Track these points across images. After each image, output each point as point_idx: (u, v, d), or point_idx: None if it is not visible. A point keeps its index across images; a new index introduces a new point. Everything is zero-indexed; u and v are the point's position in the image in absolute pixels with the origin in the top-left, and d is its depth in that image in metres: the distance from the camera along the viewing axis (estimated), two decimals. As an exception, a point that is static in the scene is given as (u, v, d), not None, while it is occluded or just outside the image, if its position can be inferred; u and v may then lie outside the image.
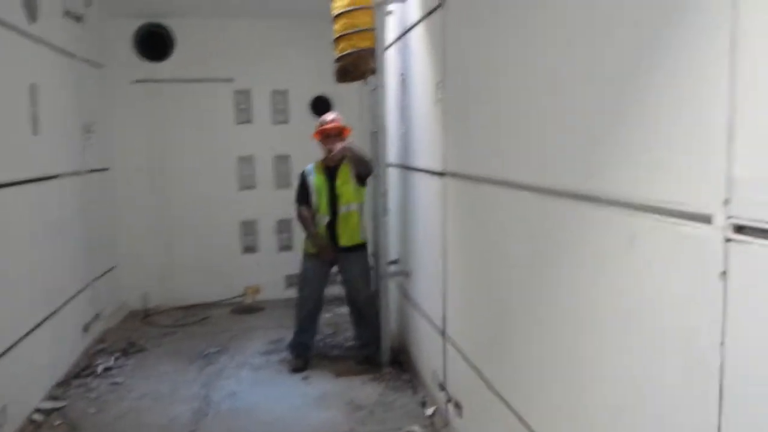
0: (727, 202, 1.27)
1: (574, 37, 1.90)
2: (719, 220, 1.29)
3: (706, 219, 1.33)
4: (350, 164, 4.45)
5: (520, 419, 2.38)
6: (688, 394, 1.40)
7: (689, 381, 1.39)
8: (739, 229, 1.25)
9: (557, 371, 2.08)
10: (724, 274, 1.28)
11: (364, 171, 4.42)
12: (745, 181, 1.23)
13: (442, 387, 3.52)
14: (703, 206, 1.34)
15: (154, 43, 6.00)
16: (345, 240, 4.48)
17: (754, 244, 1.21)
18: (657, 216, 1.50)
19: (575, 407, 1.96)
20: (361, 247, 4.57)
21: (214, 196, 6.28)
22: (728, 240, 1.27)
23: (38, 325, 3.91)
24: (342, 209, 4.46)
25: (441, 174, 3.43)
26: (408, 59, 4.20)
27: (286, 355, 4.68)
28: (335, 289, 5.09)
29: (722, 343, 1.29)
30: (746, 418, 1.25)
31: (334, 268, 4.61)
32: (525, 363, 2.37)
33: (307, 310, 4.56)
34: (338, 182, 4.46)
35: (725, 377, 1.29)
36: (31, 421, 3.69)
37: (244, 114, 6.31)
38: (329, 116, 4.52)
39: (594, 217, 1.80)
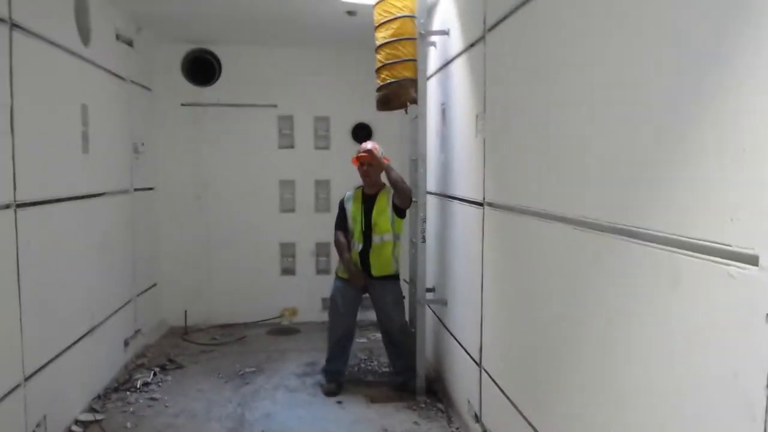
0: (774, 243, 1.26)
1: (619, 73, 1.91)
2: (766, 261, 1.28)
3: (752, 260, 1.32)
4: (390, 191, 4.47)
5: (557, 454, 2.35)
6: (733, 437, 1.38)
7: (733, 423, 1.37)
8: (786, 270, 1.24)
9: (597, 409, 2.06)
10: (769, 315, 1.27)
11: (402, 196, 4.36)
12: (793, 223, 1.22)
13: (477, 418, 3.50)
14: (750, 247, 1.33)
15: (201, 68, 6.19)
16: (376, 270, 4.49)
17: (802, 286, 1.20)
18: (703, 255, 1.49)
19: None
20: (393, 277, 4.57)
21: (255, 218, 6.39)
22: (775, 282, 1.26)
23: (81, 338, 4.02)
24: (375, 239, 4.48)
25: (479, 204, 3.44)
26: (449, 90, 4.25)
27: (320, 378, 4.70)
28: (370, 315, 5.11)
29: (767, 386, 1.27)
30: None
31: (366, 294, 4.62)
32: (564, 399, 2.35)
33: (337, 337, 4.58)
34: (374, 211, 4.50)
35: (771, 420, 1.27)
36: (71, 433, 3.78)
37: (286, 139, 6.44)
38: (368, 144, 4.56)
39: (637, 253, 1.79)
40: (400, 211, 4.49)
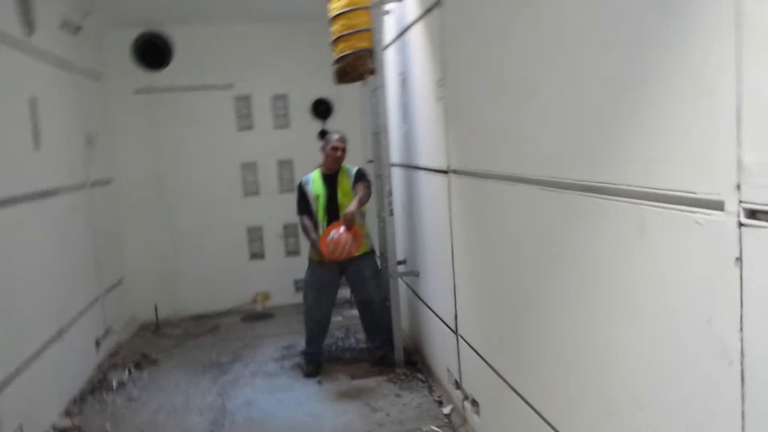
0: (738, 187, 1.25)
1: (579, 25, 1.88)
2: (731, 205, 1.28)
3: (718, 205, 1.31)
4: (349, 171, 4.53)
5: (538, 413, 2.36)
6: (710, 381, 1.38)
7: (710, 368, 1.37)
8: (752, 213, 1.23)
9: (573, 363, 2.07)
10: (738, 259, 1.27)
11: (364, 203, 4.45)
12: (755, 166, 1.21)
13: (458, 385, 3.51)
14: (715, 193, 1.32)
15: (153, 51, 5.97)
16: None
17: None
18: (668, 204, 1.48)
19: (593, 398, 1.95)
20: (367, 253, 4.54)
21: (219, 204, 6.27)
22: (741, 225, 1.25)
23: (50, 342, 3.90)
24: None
25: (445, 172, 3.41)
26: (407, 58, 4.19)
27: (299, 360, 4.68)
28: (345, 292, 5.08)
29: (741, 329, 1.28)
30: (770, 400, 1.23)
31: (342, 275, 4.58)
32: (540, 356, 2.35)
33: (314, 320, 4.55)
34: (339, 193, 4.47)
35: (746, 361, 1.27)
36: (48, 439, 3.69)
37: (245, 120, 6.31)
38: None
39: (603, 209, 1.78)
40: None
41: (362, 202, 4.37)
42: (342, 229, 4.24)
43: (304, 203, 4.54)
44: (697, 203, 1.38)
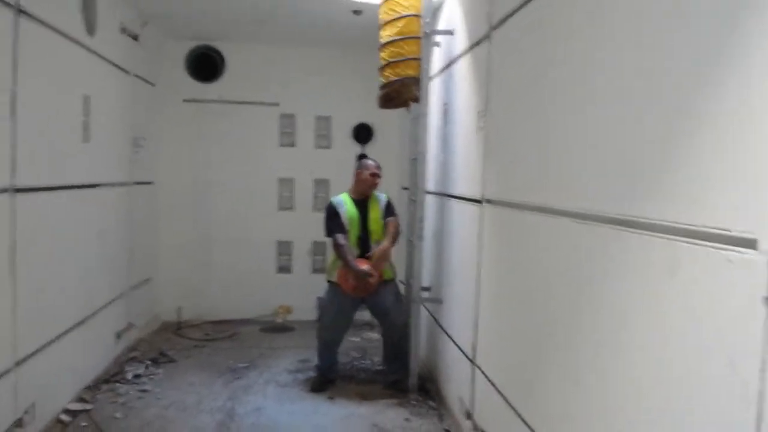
0: (773, 225, 1.26)
1: (616, 64, 1.92)
2: (765, 245, 1.28)
3: (751, 244, 1.32)
4: (379, 200, 4.65)
5: (549, 450, 2.33)
6: (727, 422, 1.37)
7: (728, 408, 1.36)
8: (785, 253, 1.24)
9: (592, 401, 2.04)
10: (767, 299, 1.26)
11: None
12: (792, 204, 1.22)
13: (469, 416, 3.48)
14: (749, 231, 1.33)
15: (205, 64, 6.20)
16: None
17: (800, 268, 1.19)
18: (701, 241, 1.49)
19: (607, 437, 1.92)
20: (388, 280, 4.57)
21: (253, 216, 6.39)
22: (774, 264, 1.26)
23: (73, 328, 3.99)
24: (373, 247, 4.50)
25: (478, 201, 3.44)
26: (451, 89, 4.26)
27: (312, 374, 4.68)
28: (364, 314, 5.09)
29: (763, 369, 1.27)
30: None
31: (362, 303, 4.61)
32: (557, 393, 2.33)
33: (326, 340, 4.57)
34: (370, 218, 4.54)
35: (764, 403, 1.26)
36: (59, 421, 3.74)
37: (287, 137, 6.44)
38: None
39: (635, 243, 1.79)
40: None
41: (394, 241, 4.48)
42: (366, 267, 4.32)
43: (337, 222, 4.52)
44: (730, 241, 1.39)
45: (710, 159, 1.47)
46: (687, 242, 1.54)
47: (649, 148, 1.74)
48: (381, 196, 4.64)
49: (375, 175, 4.57)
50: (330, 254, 4.86)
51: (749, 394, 1.29)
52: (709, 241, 1.46)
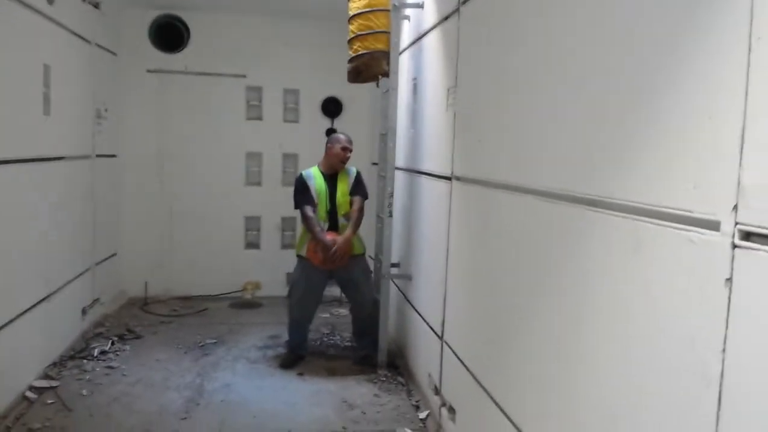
0: (735, 208, 1.27)
1: (583, 44, 1.91)
2: (727, 226, 1.29)
3: (714, 225, 1.33)
4: (348, 174, 4.62)
5: (515, 426, 2.37)
6: (687, 402, 1.40)
7: (688, 388, 1.39)
8: (747, 236, 1.25)
9: (554, 377, 2.08)
10: (729, 280, 1.28)
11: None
12: (754, 188, 1.23)
13: (437, 391, 3.52)
14: (711, 213, 1.34)
15: (169, 34, 6.02)
16: None
17: (761, 250, 1.21)
18: (663, 221, 1.50)
19: (571, 414, 1.96)
20: (358, 255, 4.57)
21: (220, 190, 6.29)
22: (735, 246, 1.27)
23: (36, 304, 3.92)
24: (341, 220, 4.50)
25: (448, 178, 3.44)
26: (421, 64, 4.22)
27: (282, 351, 4.68)
28: (334, 290, 5.09)
29: (723, 350, 1.29)
30: (744, 425, 1.25)
31: (331, 278, 4.61)
32: (521, 367, 2.37)
33: (296, 315, 4.57)
34: (338, 193, 4.51)
35: (725, 384, 1.28)
36: (24, 398, 3.70)
37: (254, 110, 6.34)
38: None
39: (599, 222, 1.80)
40: None
41: (356, 226, 4.48)
42: (332, 238, 4.35)
43: (306, 195, 4.51)
44: (693, 222, 1.40)
45: (675, 139, 1.48)
46: (650, 222, 1.56)
47: (614, 128, 1.75)
48: (351, 170, 4.62)
49: (346, 149, 4.53)
50: (300, 229, 4.83)
51: (710, 374, 1.32)
52: (672, 222, 1.47)
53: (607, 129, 1.79)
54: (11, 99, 3.55)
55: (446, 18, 3.55)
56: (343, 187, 4.53)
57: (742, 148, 1.26)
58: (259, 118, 6.34)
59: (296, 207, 4.56)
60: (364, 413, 3.78)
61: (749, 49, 1.24)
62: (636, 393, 1.60)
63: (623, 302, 1.68)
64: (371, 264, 4.84)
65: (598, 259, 1.82)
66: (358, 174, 4.62)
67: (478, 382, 2.82)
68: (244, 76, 6.24)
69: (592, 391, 1.83)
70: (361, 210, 4.52)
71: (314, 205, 4.48)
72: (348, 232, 4.41)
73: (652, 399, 1.52)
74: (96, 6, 4.94)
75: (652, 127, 1.56)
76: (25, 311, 3.75)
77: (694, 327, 1.39)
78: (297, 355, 4.58)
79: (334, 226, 4.48)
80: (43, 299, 4.05)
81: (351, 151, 4.57)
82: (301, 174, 4.63)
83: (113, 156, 5.73)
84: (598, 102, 1.84)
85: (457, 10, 3.33)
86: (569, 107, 2.03)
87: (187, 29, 6.04)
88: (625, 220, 1.67)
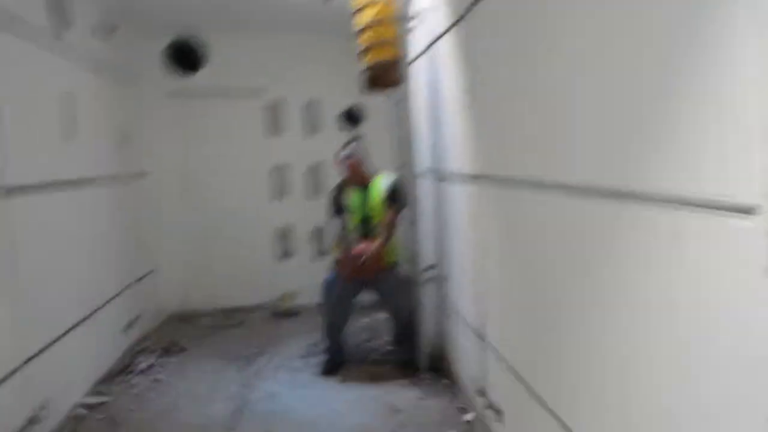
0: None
1: (612, 31, 1.87)
2: (764, 210, 1.26)
3: (752, 210, 1.29)
4: (382, 181, 4.59)
5: (564, 426, 2.34)
6: (743, 393, 1.36)
7: (742, 380, 1.35)
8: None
9: (603, 375, 2.04)
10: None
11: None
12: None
13: (482, 393, 3.49)
14: (750, 197, 1.30)
15: (186, 56, 6.08)
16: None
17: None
18: (701, 209, 1.46)
19: (623, 412, 1.92)
20: (391, 264, 4.56)
21: (249, 204, 6.36)
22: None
23: (79, 323, 4.00)
24: (375, 230, 4.50)
25: (474, 177, 3.42)
26: (437, 67, 4.20)
27: (323, 358, 4.70)
28: (372, 295, 5.08)
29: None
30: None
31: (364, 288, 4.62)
32: (569, 367, 2.33)
33: (329, 322, 4.57)
34: (371, 202, 4.51)
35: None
36: (75, 416, 3.77)
37: (276, 125, 6.39)
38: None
39: (634, 215, 1.76)
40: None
41: (388, 238, 4.44)
42: (360, 249, 4.37)
43: (337, 206, 4.58)
44: (731, 208, 1.36)
45: (711, 123, 1.44)
46: (687, 211, 1.52)
47: (647, 115, 1.70)
48: (388, 178, 4.59)
49: (342, 163, 4.57)
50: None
51: (764, 364, 1.28)
52: (710, 209, 1.43)
53: (636, 118, 1.75)
54: (39, 126, 3.65)
55: (460, 18, 3.53)
56: (375, 197, 4.53)
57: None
58: (281, 132, 6.40)
59: (330, 218, 4.60)
60: (410, 417, 3.77)
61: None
62: (691, 387, 1.56)
63: (667, 295, 1.64)
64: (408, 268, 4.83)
65: (638, 253, 1.78)
66: (396, 182, 4.58)
67: (524, 383, 2.79)
68: (263, 93, 6.30)
69: (644, 386, 1.78)
70: (392, 221, 4.49)
71: (346, 216, 4.51)
72: (377, 244, 4.41)
73: (708, 391, 1.48)
74: (111, 32, 5.02)
75: (688, 111, 1.52)
76: (69, 330, 3.83)
77: (742, 317, 1.35)
78: (337, 362, 4.59)
79: (368, 236, 4.48)
80: (88, 316, 4.14)
81: (349, 161, 4.56)
82: (336, 185, 4.67)
83: (144, 176, 5.83)
84: (628, 89, 1.79)
85: (470, 9, 3.30)
86: (595, 96, 1.98)
87: (203, 51, 6.08)
88: (661, 209, 1.63)
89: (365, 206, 4.51)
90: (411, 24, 4.36)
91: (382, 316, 5.68)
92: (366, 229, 4.50)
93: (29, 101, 3.56)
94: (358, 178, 4.56)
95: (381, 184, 4.56)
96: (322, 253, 6.41)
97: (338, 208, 4.56)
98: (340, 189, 4.62)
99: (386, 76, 4.23)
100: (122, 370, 4.55)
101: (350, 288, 4.52)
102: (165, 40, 5.99)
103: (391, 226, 4.48)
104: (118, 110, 5.21)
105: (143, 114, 5.97)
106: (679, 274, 1.58)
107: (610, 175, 1.91)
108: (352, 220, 4.50)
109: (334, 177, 4.80)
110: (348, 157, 4.59)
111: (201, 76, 6.13)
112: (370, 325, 5.59)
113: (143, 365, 4.62)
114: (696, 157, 1.48)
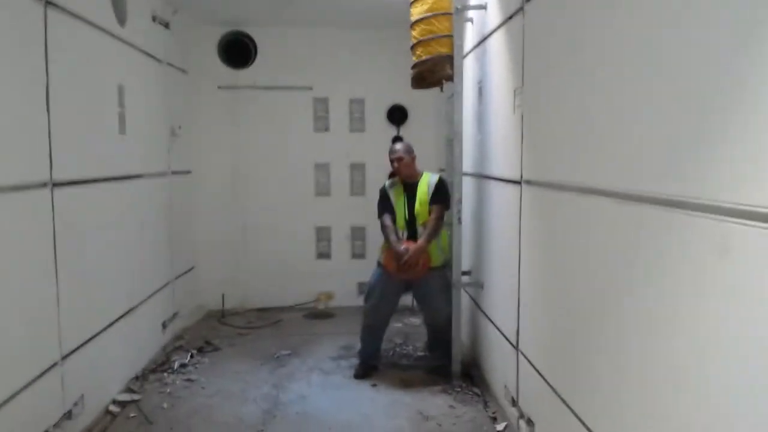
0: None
1: (665, 37, 1.79)
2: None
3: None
4: (429, 180, 4.50)
5: (597, 439, 2.25)
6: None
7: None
8: None
9: (641, 388, 1.95)
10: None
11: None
12: None
13: (514, 402, 3.41)
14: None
15: (238, 50, 6.16)
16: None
17: None
18: (752, 221, 1.38)
19: (660, 424, 1.83)
20: (438, 267, 4.47)
21: (291, 202, 6.38)
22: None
23: (119, 319, 4.06)
24: (420, 229, 4.42)
25: (517, 182, 3.33)
26: (486, 66, 4.13)
27: (355, 361, 4.67)
28: (406, 299, 5.04)
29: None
30: None
31: (408, 290, 4.57)
32: (603, 380, 2.24)
33: (370, 323, 4.53)
34: (416, 202, 4.44)
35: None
36: (108, 412, 3.82)
37: (321, 122, 6.39)
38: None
39: (682, 224, 1.67)
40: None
41: (432, 236, 4.35)
42: (405, 247, 4.32)
43: (385, 205, 4.53)
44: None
45: (762, 133, 1.36)
46: (737, 223, 1.44)
47: (697, 124, 1.62)
48: (433, 177, 4.51)
49: (398, 159, 4.46)
50: (380, 238, 4.80)
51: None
52: (760, 221, 1.35)
53: (688, 124, 1.66)
54: (89, 119, 3.69)
55: (510, 17, 3.46)
56: (421, 196, 4.45)
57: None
58: (326, 129, 6.39)
59: (378, 217, 4.56)
60: (440, 425, 3.70)
61: None
62: (733, 399, 1.47)
63: (713, 309, 1.54)
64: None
65: (682, 264, 1.69)
66: (440, 181, 4.49)
67: (557, 394, 2.70)
68: (310, 88, 6.31)
69: (685, 400, 1.69)
70: (438, 219, 4.40)
71: (393, 215, 4.47)
72: (421, 241, 4.33)
73: (751, 405, 1.39)
74: (166, 26, 5.11)
75: (739, 121, 1.44)
76: (108, 326, 3.88)
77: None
78: (370, 366, 4.55)
79: (413, 236, 4.43)
80: (126, 313, 4.19)
81: (402, 159, 4.45)
82: (384, 184, 4.65)
83: (188, 172, 5.90)
84: (679, 96, 1.72)
85: (521, 9, 3.23)
86: (645, 103, 1.91)
87: (254, 45, 6.16)
88: (709, 220, 1.54)
89: (411, 205, 4.45)
90: (467, 17, 4.28)
91: (414, 320, 5.64)
92: (412, 229, 4.44)
93: (84, 92, 3.63)
94: (408, 176, 4.51)
95: (426, 183, 4.49)
96: (359, 254, 6.39)
97: (386, 206, 4.52)
98: (389, 187, 4.58)
99: (438, 71, 4.17)
100: (157, 367, 4.59)
101: (393, 288, 4.48)
102: (217, 33, 6.08)
103: (436, 223, 4.41)
104: (169, 104, 5.28)
105: (193, 107, 6.04)
106: (724, 287, 1.49)
107: (658, 182, 1.82)
108: (399, 220, 4.44)
109: (377, 175, 4.72)
110: (402, 151, 4.48)
111: (251, 71, 6.20)
112: (402, 330, 5.54)
113: (177, 363, 4.66)
114: (750, 167, 1.40)
